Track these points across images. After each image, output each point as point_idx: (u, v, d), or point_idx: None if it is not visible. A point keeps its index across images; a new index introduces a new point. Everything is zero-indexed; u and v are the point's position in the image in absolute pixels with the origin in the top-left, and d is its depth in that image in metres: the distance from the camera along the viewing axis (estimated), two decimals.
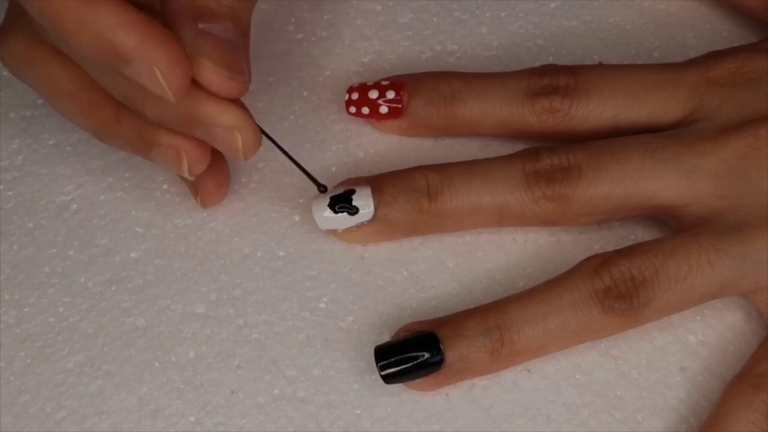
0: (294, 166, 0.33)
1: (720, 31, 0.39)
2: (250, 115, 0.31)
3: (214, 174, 0.35)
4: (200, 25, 0.29)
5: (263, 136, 0.32)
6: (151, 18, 0.27)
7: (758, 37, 0.38)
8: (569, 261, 0.32)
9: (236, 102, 0.30)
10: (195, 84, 0.29)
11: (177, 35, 0.29)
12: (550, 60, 0.38)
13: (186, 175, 0.33)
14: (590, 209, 0.33)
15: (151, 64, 0.27)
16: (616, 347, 0.33)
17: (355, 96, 0.36)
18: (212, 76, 0.29)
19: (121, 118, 0.32)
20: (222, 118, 0.30)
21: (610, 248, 0.32)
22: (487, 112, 0.35)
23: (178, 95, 0.28)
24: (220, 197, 0.36)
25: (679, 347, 0.33)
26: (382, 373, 0.31)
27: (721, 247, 0.31)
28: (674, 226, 0.33)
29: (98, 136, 0.34)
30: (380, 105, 0.36)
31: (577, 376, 0.32)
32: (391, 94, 0.36)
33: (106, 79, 0.31)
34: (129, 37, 0.27)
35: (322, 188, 0.33)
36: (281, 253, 0.35)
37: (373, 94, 0.36)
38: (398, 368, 0.31)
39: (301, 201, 0.36)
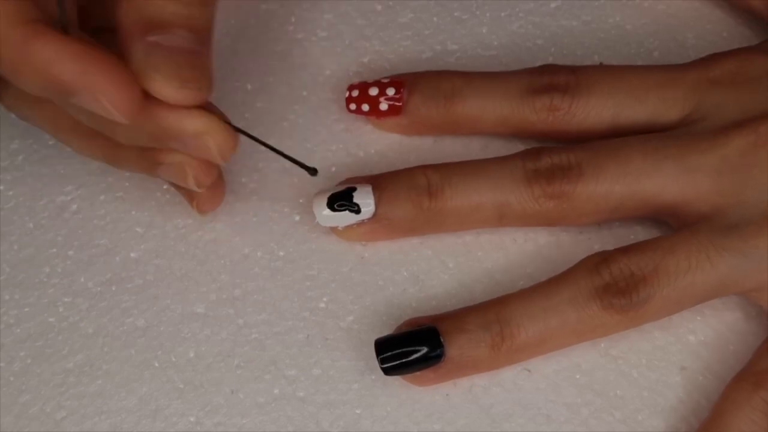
0: (281, 157, 0.32)
1: (720, 31, 0.39)
2: (218, 117, 0.30)
3: None
4: (150, 38, 0.28)
5: (244, 135, 0.31)
6: (91, 45, 0.28)
7: (759, 38, 0.38)
8: (569, 261, 0.32)
9: (202, 106, 0.30)
10: (154, 98, 0.29)
11: (128, 51, 0.29)
12: (550, 60, 0.38)
13: (194, 187, 0.33)
14: (591, 208, 0.33)
15: (96, 93, 0.27)
16: (617, 347, 0.33)
17: (355, 93, 0.36)
18: (162, 88, 0.29)
19: (119, 143, 0.32)
20: (187, 127, 0.30)
21: (610, 248, 0.32)
22: (486, 110, 0.35)
23: (130, 117, 0.28)
24: (216, 203, 0.35)
25: (679, 347, 0.33)
26: (383, 366, 0.31)
27: (720, 244, 0.31)
28: (676, 226, 0.33)
29: (108, 163, 0.34)
30: (380, 102, 0.36)
31: (578, 376, 0.32)
32: (391, 91, 0.36)
33: (72, 111, 0.31)
34: (68, 69, 0.27)
35: (312, 171, 0.32)
36: (281, 253, 0.35)
37: (373, 91, 0.36)
38: (399, 361, 0.31)
39: (301, 201, 0.36)
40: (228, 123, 0.31)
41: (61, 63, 0.27)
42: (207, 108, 0.30)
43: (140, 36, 0.29)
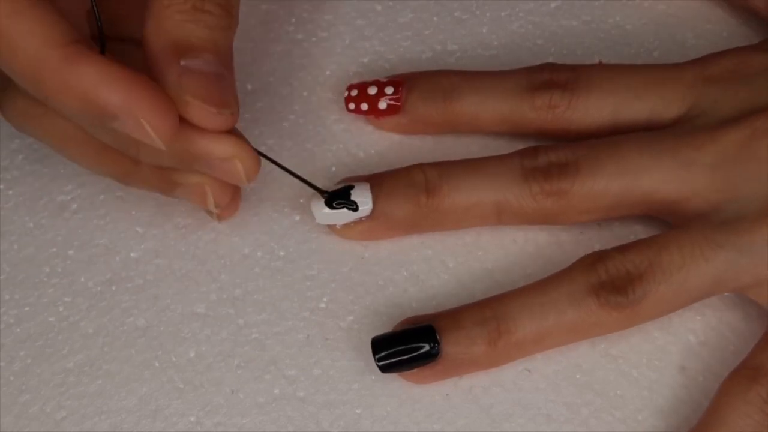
0: (295, 178, 0.33)
1: (720, 31, 0.39)
2: (246, 141, 0.31)
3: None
4: (182, 63, 0.28)
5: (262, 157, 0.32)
6: (133, 70, 0.27)
7: (759, 38, 0.38)
8: (569, 262, 0.32)
9: (229, 131, 0.30)
10: (184, 121, 0.29)
11: (160, 75, 0.28)
12: (550, 60, 0.38)
13: (212, 208, 0.33)
14: (589, 205, 0.33)
15: (138, 118, 0.27)
16: (616, 347, 0.33)
17: (354, 93, 0.36)
18: (199, 113, 0.29)
19: (137, 161, 0.32)
20: (218, 151, 0.30)
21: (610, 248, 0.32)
22: (485, 107, 0.35)
23: (167, 142, 0.28)
24: (234, 210, 0.35)
25: (679, 347, 0.33)
26: (379, 364, 0.31)
27: (714, 240, 0.31)
28: (674, 224, 0.33)
29: (119, 181, 0.34)
30: (379, 101, 0.36)
31: (578, 376, 0.33)
32: (389, 90, 0.36)
33: (96, 131, 0.31)
34: (113, 94, 0.27)
35: (326, 195, 0.33)
36: (281, 253, 0.35)
37: (372, 91, 0.36)
38: (395, 359, 0.31)
39: (301, 201, 0.36)
40: (250, 146, 0.31)
41: (106, 88, 0.27)
42: (233, 132, 0.30)
43: (172, 61, 0.28)
